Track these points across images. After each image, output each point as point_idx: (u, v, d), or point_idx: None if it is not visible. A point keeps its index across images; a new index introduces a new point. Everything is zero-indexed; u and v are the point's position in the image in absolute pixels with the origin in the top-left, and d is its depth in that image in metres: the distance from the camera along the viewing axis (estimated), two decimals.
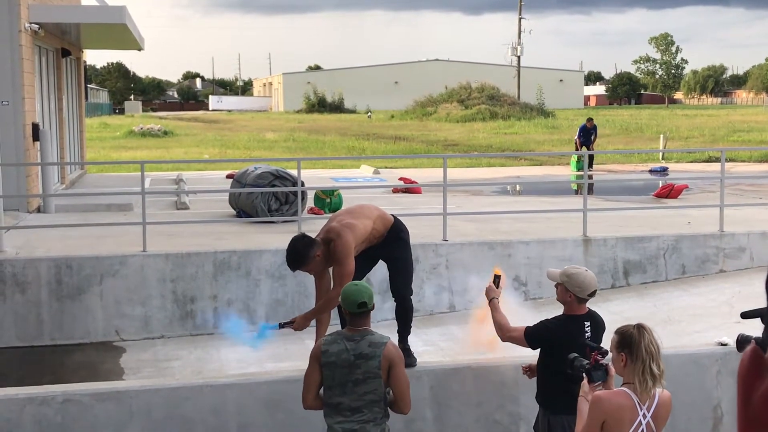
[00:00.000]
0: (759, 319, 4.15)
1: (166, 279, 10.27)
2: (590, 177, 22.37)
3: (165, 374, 8.74)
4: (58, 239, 11.31)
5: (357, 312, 5.24)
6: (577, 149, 24.74)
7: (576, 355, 5.01)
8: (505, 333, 6.22)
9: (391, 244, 7.14)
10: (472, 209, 14.93)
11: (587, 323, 5.74)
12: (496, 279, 6.55)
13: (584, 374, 4.82)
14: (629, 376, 4.50)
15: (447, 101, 66.02)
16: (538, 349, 6.01)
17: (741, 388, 0.61)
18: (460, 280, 10.93)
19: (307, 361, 5.42)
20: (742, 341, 4.22)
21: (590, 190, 20.62)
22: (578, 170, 23.46)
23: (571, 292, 5.72)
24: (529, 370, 6.43)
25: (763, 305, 4.19)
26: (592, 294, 5.78)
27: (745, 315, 4.18)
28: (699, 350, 7.79)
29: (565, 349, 5.32)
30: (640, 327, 4.59)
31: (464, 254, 11.04)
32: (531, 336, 5.94)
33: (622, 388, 4.50)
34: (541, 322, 5.97)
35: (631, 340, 4.54)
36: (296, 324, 6.74)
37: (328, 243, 6.64)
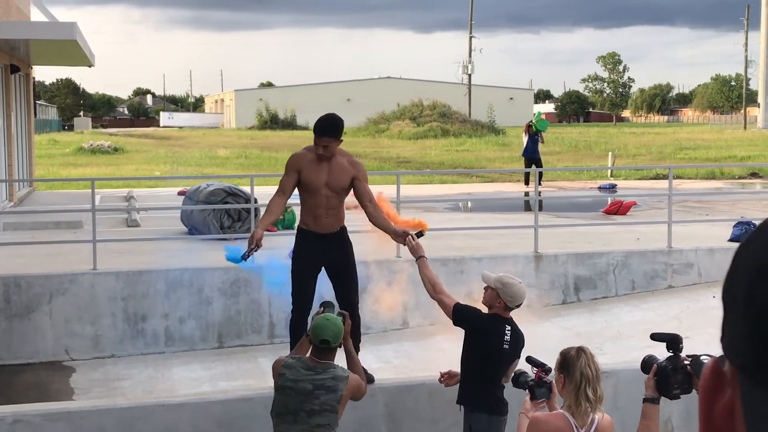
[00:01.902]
0: (665, 344, 4.31)
1: (117, 297, 10.17)
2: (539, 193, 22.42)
3: (116, 394, 8.64)
4: (6, 257, 11.15)
5: (319, 347, 5.19)
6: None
7: (523, 370, 5.08)
8: (437, 292, 6.18)
9: (345, 247, 7.04)
10: None
11: (508, 327, 5.83)
12: (420, 234, 6.64)
13: (527, 390, 4.88)
14: (567, 398, 4.54)
15: (399, 118, 66.26)
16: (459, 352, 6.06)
17: (703, 403, 0.64)
18: (413, 296, 10.97)
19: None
20: (647, 362, 4.36)
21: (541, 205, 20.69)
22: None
23: (502, 299, 5.80)
24: (447, 377, 6.36)
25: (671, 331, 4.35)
26: (519, 305, 5.90)
27: (654, 337, 4.34)
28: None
29: (485, 342, 5.44)
30: (579, 350, 4.63)
31: (417, 271, 11.06)
32: (460, 311, 5.97)
33: (561, 410, 4.55)
34: (473, 306, 6.01)
35: (569, 362, 4.59)
36: (256, 241, 6.55)
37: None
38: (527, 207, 20.00)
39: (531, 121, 24.14)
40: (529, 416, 4.66)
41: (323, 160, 6.77)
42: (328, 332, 5.13)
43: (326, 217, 6.85)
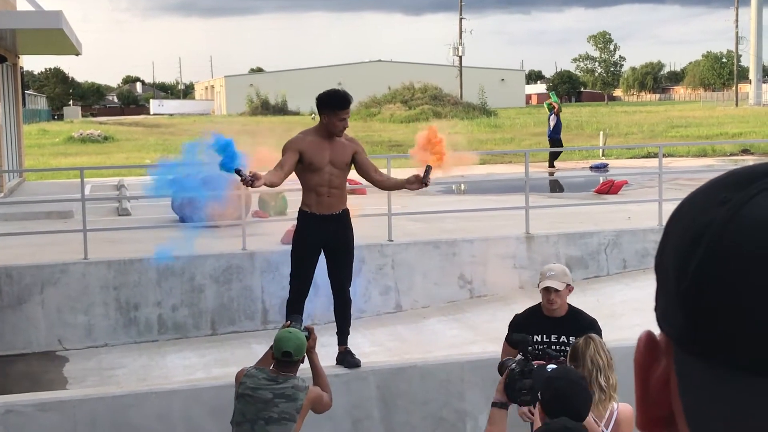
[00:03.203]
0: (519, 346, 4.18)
1: (108, 286, 10.16)
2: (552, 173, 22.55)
3: (110, 382, 8.64)
4: None
5: (282, 360, 5.19)
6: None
7: (511, 357, 5.01)
8: None
9: (346, 231, 7.04)
10: (417, 209, 14.99)
11: None
12: (428, 170, 6.62)
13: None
14: None
15: (390, 102, 66.14)
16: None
17: (638, 374, 0.64)
18: (406, 279, 10.99)
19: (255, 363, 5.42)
20: (502, 365, 4.20)
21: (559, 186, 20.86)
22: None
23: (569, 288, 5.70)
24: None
25: None
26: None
27: (510, 340, 4.24)
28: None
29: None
30: (587, 338, 4.57)
31: (410, 254, 11.10)
32: None
33: None
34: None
35: (578, 351, 4.54)
36: (254, 176, 6.33)
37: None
38: (554, 188, 20.21)
39: (556, 101, 24.58)
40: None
41: (330, 139, 6.82)
42: (290, 344, 5.15)
43: (329, 196, 6.89)
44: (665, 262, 0.74)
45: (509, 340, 4.16)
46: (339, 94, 6.89)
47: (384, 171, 11.96)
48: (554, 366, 4.07)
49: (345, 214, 7.02)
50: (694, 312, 0.69)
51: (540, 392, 3.89)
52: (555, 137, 24.13)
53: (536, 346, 5.22)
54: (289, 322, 5.59)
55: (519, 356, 4.18)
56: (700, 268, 0.69)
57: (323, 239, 6.94)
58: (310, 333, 5.41)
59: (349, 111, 6.97)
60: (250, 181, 6.26)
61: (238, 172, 6.33)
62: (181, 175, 8.74)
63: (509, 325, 5.78)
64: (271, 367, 5.31)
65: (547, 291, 5.59)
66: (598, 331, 5.48)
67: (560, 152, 24.03)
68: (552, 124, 24.14)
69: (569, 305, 5.72)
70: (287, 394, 5.10)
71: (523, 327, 5.43)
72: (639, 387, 0.77)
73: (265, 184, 6.50)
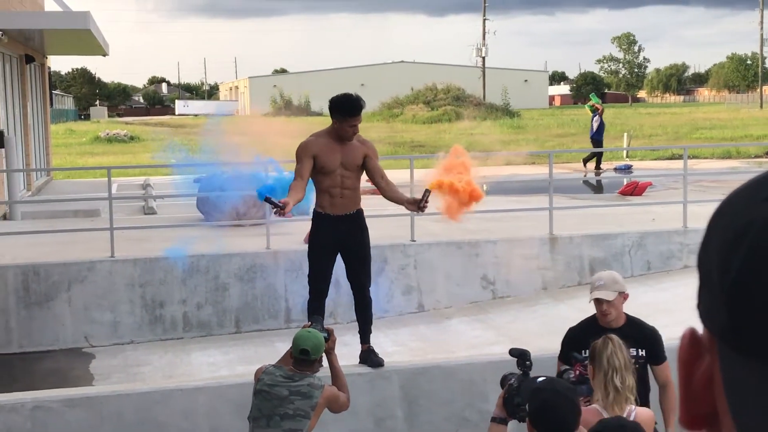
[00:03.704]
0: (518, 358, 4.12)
1: (134, 284, 10.25)
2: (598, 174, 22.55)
3: (135, 379, 8.73)
4: (25, 246, 11.24)
5: (299, 357, 5.26)
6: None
7: (567, 368, 4.88)
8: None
9: (361, 231, 7.10)
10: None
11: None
12: (427, 193, 6.65)
13: None
14: (597, 389, 4.43)
15: (413, 103, 66.11)
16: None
17: (681, 372, 0.65)
18: (428, 280, 11.01)
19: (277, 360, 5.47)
20: (503, 378, 4.10)
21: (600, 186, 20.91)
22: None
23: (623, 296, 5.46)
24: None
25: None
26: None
27: (512, 351, 4.21)
28: (666, 344, 7.91)
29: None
30: (606, 338, 4.53)
31: (432, 254, 11.12)
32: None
33: (593, 405, 4.43)
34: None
35: (596, 351, 4.52)
36: (284, 205, 6.49)
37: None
38: (598, 189, 20.27)
39: (598, 102, 24.46)
40: None
41: (341, 141, 6.87)
42: (308, 343, 5.22)
43: (341, 197, 6.94)
44: (708, 260, 0.75)
45: (512, 352, 4.05)
46: (351, 100, 6.89)
47: (406, 172, 12.02)
48: (543, 378, 4.00)
49: (359, 214, 7.08)
50: (738, 309, 0.70)
51: (527, 404, 3.86)
52: (598, 138, 23.97)
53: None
54: (309, 322, 5.65)
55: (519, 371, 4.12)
56: (743, 266, 0.70)
57: (338, 240, 7.02)
58: (329, 334, 5.47)
59: (361, 117, 6.97)
60: (282, 209, 6.47)
61: (268, 200, 6.57)
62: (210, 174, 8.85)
63: (563, 342, 5.53)
64: (289, 366, 5.38)
65: (599, 302, 5.34)
66: (660, 341, 5.37)
67: (601, 153, 23.84)
68: (595, 125, 23.98)
69: (626, 314, 5.46)
70: (303, 391, 5.17)
71: (579, 341, 5.22)
72: (682, 384, 0.78)
73: (295, 204, 6.71)
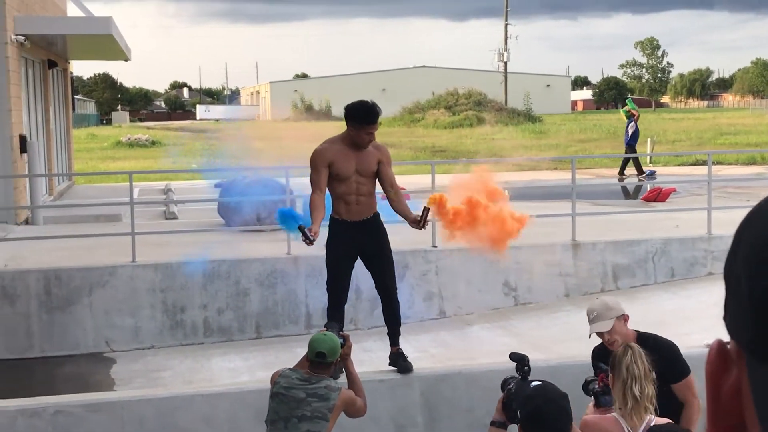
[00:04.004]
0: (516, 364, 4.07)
1: (155, 289, 10.26)
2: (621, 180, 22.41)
3: (156, 384, 8.73)
4: (46, 251, 11.28)
5: (314, 360, 5.23)
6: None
7: (593, 377, 4.85)
8: None
9: (379, 234, 7.07)
10: None
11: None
12: (425, 211, 6.61)
13: (593, 397, 4.71)
14: (616, 398, 4.40)
15: (434, 108, 66.07)
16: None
17: (709, 384, 0.63)
18: (449, 286, 10.95)
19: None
20: (504, 382, 4.10)
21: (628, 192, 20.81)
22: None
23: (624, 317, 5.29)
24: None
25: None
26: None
27: (512, 356, 4.17)
28: (688, 352, 7.77)
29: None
30: (626, 347, 4.50)
31: (454, 260, 11.06)
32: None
33: (612, 413, 4.40)
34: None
35: (615, 359, 4.48)
36: (313, 234, 6.59)
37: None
38: (634, 195, 20.15)
39: (634, 108, 24.19)
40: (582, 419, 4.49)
41: (356, 148, 6.83)
42: (324, 345, 5.20)
43: (357, 204, 6.92)
44: (736, 269, 0.73)
45: (511, 357, 4.04)
46: (367, 108, 6.83)
47: (428, 177, 11.97)
48: (537, 383, 3.95)
49: (376, 218, 7.06)
50: (766, 320, 0.68)
51: (519, 410, 3.84)
52: (633, 144, 23.75)
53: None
54: (325, 327, 5.63)
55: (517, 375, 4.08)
56: None
57: (357, 245, 6.99)
58: (345, 340, 5.45)
59: (377, 125, 6.91)
60: (312, 240, 6.56)
61: (301, 230, 6.63)
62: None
63: (591, 356, 5.50)
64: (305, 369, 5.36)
65: (600, 335, 5.23)
66: (676, 357, 5.20)
67: (629, 159, 23.57)
68: (631, 131, 23.76)
69: (637, 332, 5.30)
70: (320, 393, 5.16)
71: (602, 357, 5.14)
72: (710, 396, 0.76)
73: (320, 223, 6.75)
